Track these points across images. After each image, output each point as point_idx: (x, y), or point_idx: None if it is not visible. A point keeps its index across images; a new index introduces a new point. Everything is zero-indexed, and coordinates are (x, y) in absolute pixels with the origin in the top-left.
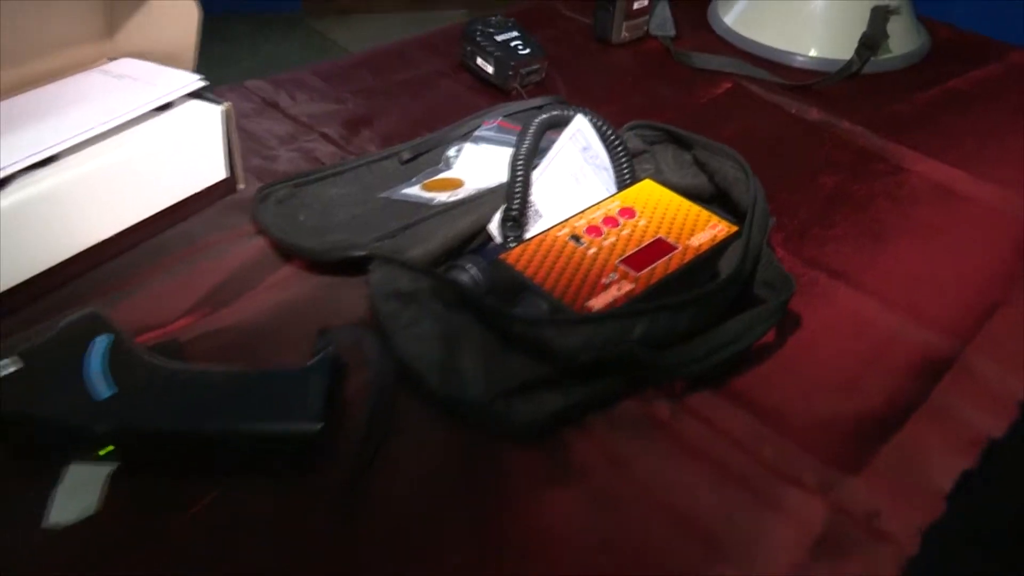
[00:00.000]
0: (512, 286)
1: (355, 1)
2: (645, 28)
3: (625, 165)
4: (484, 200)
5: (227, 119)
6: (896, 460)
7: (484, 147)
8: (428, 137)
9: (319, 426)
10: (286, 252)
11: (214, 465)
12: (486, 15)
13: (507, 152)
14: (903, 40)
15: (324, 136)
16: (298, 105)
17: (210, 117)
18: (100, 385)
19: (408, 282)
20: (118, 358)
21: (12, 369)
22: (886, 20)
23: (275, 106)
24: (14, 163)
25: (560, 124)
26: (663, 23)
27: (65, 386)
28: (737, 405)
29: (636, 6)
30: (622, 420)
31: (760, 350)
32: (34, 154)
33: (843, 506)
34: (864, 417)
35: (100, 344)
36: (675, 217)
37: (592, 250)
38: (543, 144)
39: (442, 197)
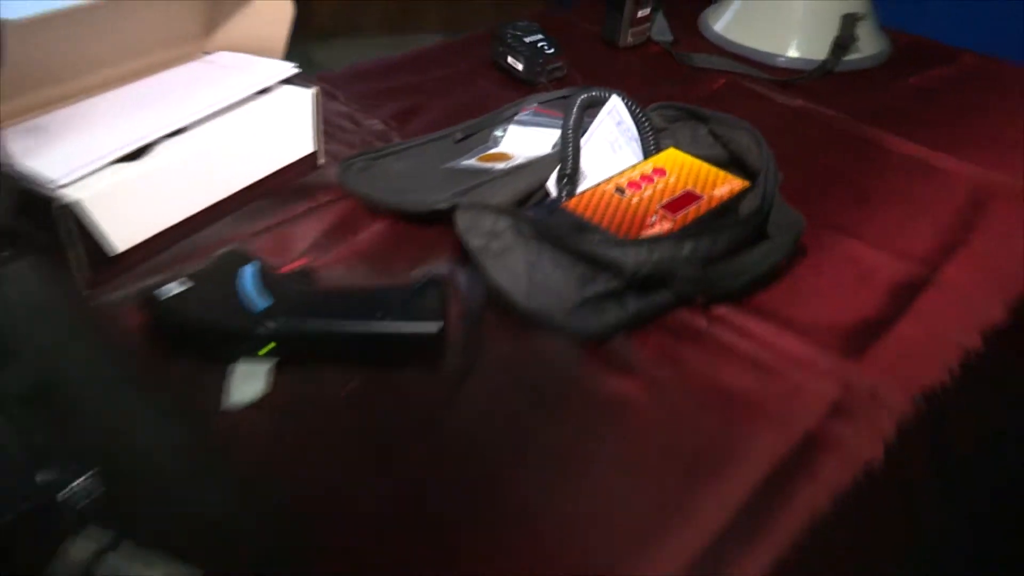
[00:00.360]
0: (574, 226)
1: (337, 24)
2: (647, 34)
3: (651, 137)
4: (539, 164)
5: (315, 101)
6: (888, 351)
7: (526, 128)
8: (475, 121)
9: (439, 326)
10: (376, 209)
11: (353, 359)
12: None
13: (545, 132)
14: (869, 43)
15: (381, 122)
16: (350, 98)
17: (302, 100)
18: (257, 299)
19: (491, 223)
20: (266, 280)
21: (184, 288)
22: (854, 26)
23: (334, 97)
24: (152, 134)
25: (598, 104)
26: (662, 30)
27: (228, 300)
28: (760, 317)
29: (640, 15)
30: (670, 328)
31: (776, 275)
32: (166, 127)
33: (850, 383)
34: (860, 321)
35: (249, 270)
36: (698, 175)
37: (635, 199)
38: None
39: (499, 166)
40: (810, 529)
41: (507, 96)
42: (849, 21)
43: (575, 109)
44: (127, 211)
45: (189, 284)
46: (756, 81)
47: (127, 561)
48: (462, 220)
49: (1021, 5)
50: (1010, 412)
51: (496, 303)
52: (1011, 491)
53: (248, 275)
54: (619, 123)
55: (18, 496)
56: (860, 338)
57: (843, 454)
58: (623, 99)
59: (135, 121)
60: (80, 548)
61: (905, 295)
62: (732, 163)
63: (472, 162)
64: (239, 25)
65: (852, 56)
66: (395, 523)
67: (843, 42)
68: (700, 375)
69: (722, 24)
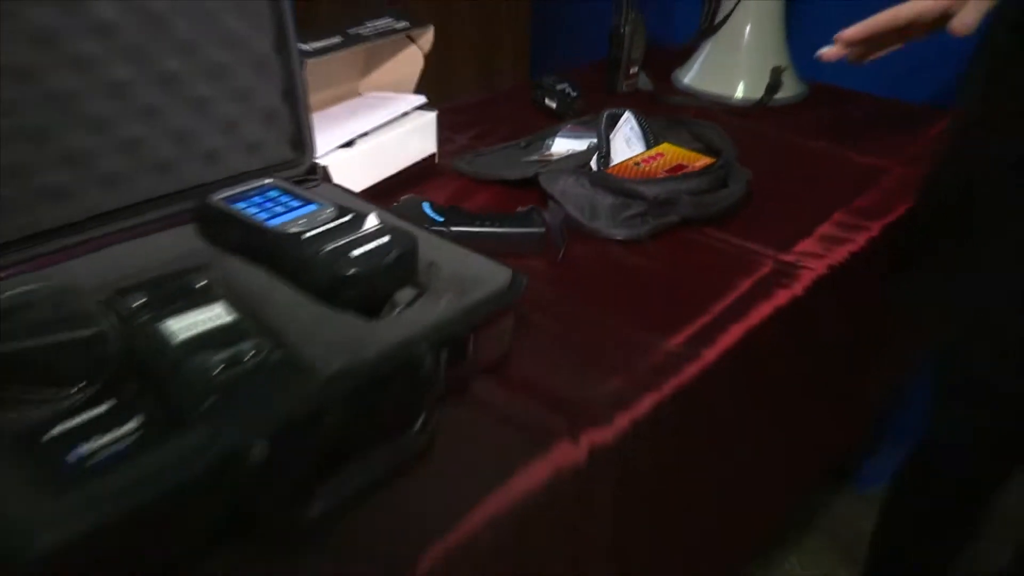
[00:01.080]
0: (613, 181)
1: None
2: (636, 85)
3: (651, 136)
4: (582, 154)
5: (435, 122)
6: (810, 246)
7: (565, 139)
8: (532, 135)
9: (543, 230)
10: (485, 181)
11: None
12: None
13: (577, 141)
14: (792, 87)
15: (468, 138)
16: (446, 123)
17: (428, 121)
18: (436, 216)
19: (564, 179)
20: (435, 208)
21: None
22: (780, 75)
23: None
24: (334, 143)
25: (617, 116)
26: (645, 82)
27: (420, 218)
28: (729, 232)
29: (631, 72)
30: (675, 237)
31: (737, 208)
32: (343, 139)
33: (782, 260)
34: (792, 232)
35: (425, 205)
36: (685, 157)
37: (646, 168)
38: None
39: (554, 159)
40: (759, 325)
41: (548, 123)
42: (776, 71)
43: (604, 118)
44: (340, 177)
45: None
46: (714, 113)
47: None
48: (544, 180)
49: (903, 57)
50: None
51: (569, 223)
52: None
53: (426, 206)
54: (631, 128)
55: None
56: (790, 241)
57: (776, 293)
58: (633, 113)
59: (333, 133)
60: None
61: (820, 218)
62: (705, 151)
63: (535, 157)
64: (384, 71)
65: (780, 96)
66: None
67: (773, 86)
68: (690, 259)
69: (689, 77)
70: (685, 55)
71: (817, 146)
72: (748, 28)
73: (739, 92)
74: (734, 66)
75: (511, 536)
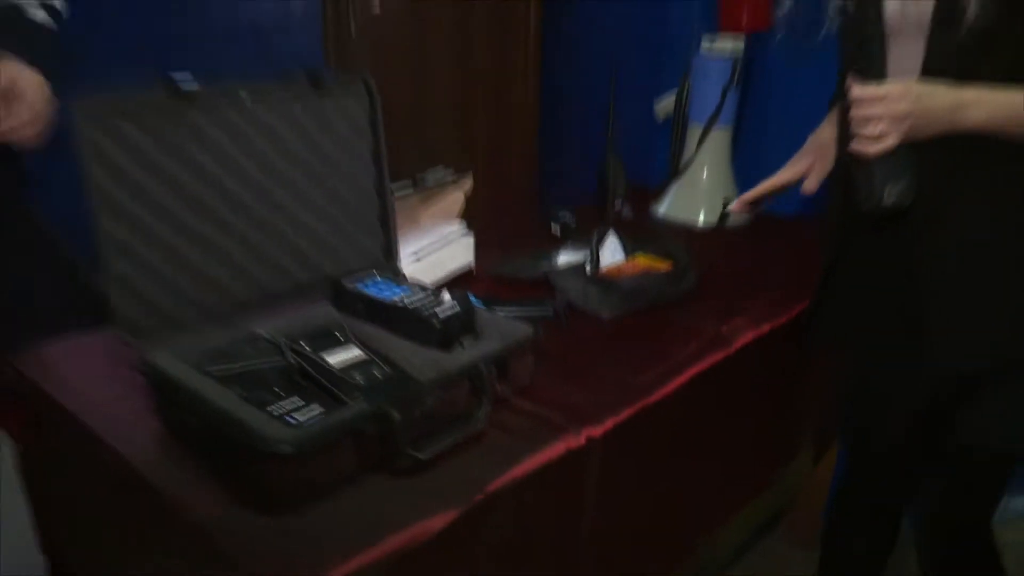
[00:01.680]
0: (601, 278)
1: None
2: (622, 215)
3: (629, 249)
4: (579, 262)
5: (473, 245)
6: (743, 320)
7: (567, 254)
8: (541, 251)
9: (551, 311)
10: (511, 280)
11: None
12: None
13: (576, 254)
14: (738, 214)
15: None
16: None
17: (469, 242)
18: (480, 304)
19: (567, 277)
20: (478, 299)
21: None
22: (729, 203)
23: None
24: (407, 255)
25: (604, 236)
26: (628, 213)
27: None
28: (675, 314)
29: (616, 206)
30: (648, 310)
31: (688, 295)
32: (413, 252)
33: (720, 329)
34: (728, 303)
35: (471, 296)
36: (653, 262)
37: (625, 270)
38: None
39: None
40: (702, 372)
41: (554, 242)
42: (727, 201)
43: (595, 238)
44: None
45: None
46: (682, 234)
47: None
48: (553, 278)
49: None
50: None
51: (571, 306)
52: None
53: (471, 297)
54: (614, 243)
55: None
56: (726, 318)
57: (716, 352)
58: (615, 232)
59: (406, 248)
60: None
61: (749, 302)
62: (669, 258)
63: (545, 264)
64: (439, 205)
65: (731, 222)
66: None
67: (724, 215)
68: (655, 328)
69: (663, 209)
70: (659, 192)
71: (754, 254)
72: (705, 171)
73: (700, 219)
74: (695, 200)
75: (532, 493)
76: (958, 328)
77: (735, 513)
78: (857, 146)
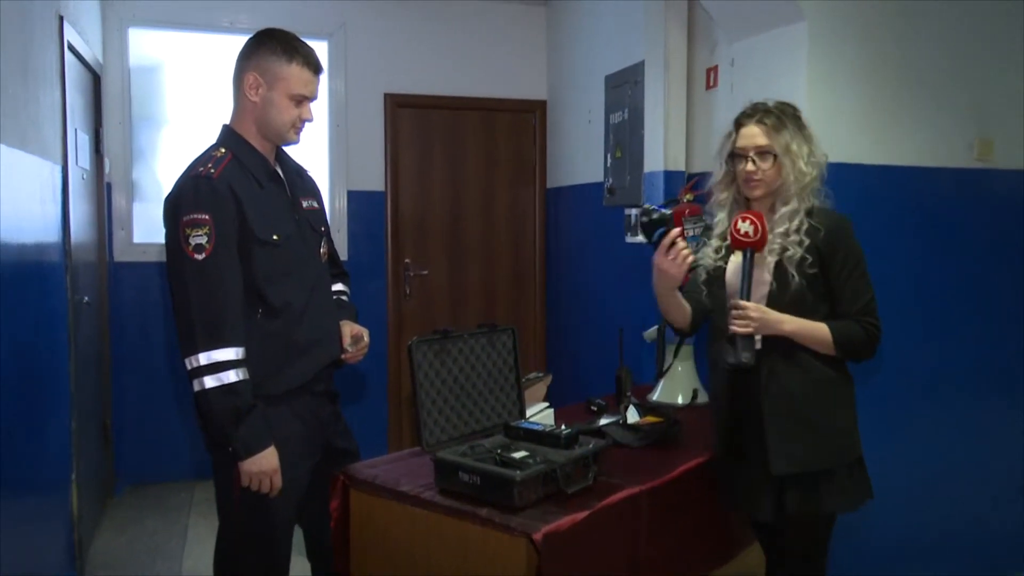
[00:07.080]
0: (624, 428)
1: None
2: (629, 403)
3: (640, 416)
4: (616, 419)
5: (554, 413)
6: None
7: (606, 418)
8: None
9: (671, 211)
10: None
11: None
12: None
13: (611, 417)
14: (705, 396)
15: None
16: None
17: (550, 412)
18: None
19: (610, 429)
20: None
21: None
22: (696, 391)
23: None
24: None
25: (627, 408)
26: (634, 402)
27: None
28: (656, 455)
29: (627, 394)
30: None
31: (672, 439)
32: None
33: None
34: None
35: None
36: (649, 419)
37: (634, 426)
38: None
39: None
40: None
41: (596, 414)
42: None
43: (622, 409)
44: None
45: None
46: (667, 410)
47: None
48: (605, 428)
49: None
50: None
51: (615, 440)
52: None
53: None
54: (632, 410)
55: None
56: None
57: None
58: (633, 403)
59: None
60: None
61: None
62: (660, 415)
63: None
64: (534, 390)
65: (700, 400)
66: None
67: (694, 395)
68: (641, 457)
69: (655, 396)
70: (652, 388)
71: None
72: (680, 369)
73: (679, 400)
74: (676, 388)
75: (595, 528)
76: (785, 441)
77: None
78: (732, 328)
